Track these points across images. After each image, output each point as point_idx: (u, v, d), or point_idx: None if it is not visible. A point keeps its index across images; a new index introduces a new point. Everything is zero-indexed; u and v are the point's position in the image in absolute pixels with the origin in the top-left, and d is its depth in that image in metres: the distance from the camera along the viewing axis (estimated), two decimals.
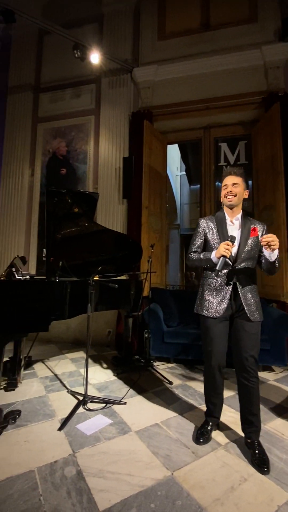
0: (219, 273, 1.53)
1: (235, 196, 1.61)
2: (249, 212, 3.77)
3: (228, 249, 1.47)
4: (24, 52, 4.88)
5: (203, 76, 4.08)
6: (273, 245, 1.43)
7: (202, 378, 2.26)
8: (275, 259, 1.53)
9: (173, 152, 8.23)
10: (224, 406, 1.88)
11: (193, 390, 2.41)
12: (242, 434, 1.63)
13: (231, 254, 1.54)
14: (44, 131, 4.66)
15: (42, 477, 1.34)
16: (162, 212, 4.12)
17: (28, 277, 2.64)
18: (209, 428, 1.72)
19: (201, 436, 1.68)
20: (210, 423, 1.74)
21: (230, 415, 1.95)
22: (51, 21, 4.00)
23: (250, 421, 1.57)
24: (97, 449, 1.57)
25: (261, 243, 1.48)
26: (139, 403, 2.13)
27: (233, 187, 1.61)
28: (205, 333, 1.68)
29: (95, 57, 3.90)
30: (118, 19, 4.44)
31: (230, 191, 1.61)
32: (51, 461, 1.46)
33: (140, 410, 2.02)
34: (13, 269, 2.43)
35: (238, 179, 1.62)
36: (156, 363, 3.06)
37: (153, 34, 4.37)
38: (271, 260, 1.54)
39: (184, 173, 9.39)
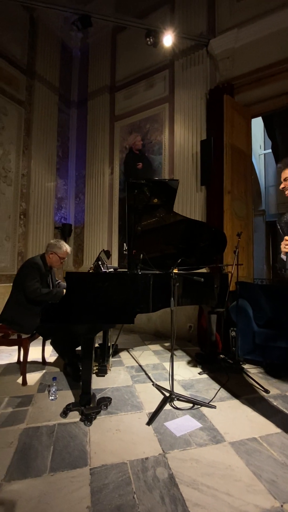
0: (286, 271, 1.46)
1: None
2: None
3: None
4: (99, 56, 5.12)
5: None
6: None
7: None
8: None
9: (255, 129, 7.27)
10: None
11: None
12: None
13: None
14: (120, 129, 4.80)
15: (134, 473, 1.32)
16: (247, 196, 3.65)
17: (112, 269, 2.74)
18: None
19: None
20: None
21: None
22: (123, 15, 4.02)
23: None
24: (188, 454, 1.46)
25: None
26: (231, 410, 1.92)
27: (285, 181, 1.60)
28: None
29: (168, 39, 3.71)
30: None
31: (283, 187, 1.61)
32: (142, 457, 1.43)
33: (233, 418, 1.80)
34: (99, 262, 2.56)
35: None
36: (246, 366, 2.74)
37: None
38: None
39: (270, 151, 8.22)
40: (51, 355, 3.04)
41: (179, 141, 4.05)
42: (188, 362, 2.89)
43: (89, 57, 5.31)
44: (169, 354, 3.12)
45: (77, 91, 5.48)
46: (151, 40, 3.76)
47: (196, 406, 1.94)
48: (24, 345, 2.28)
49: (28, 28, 4.65)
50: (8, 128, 4.27)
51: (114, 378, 2.44)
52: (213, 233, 2.65)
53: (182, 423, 1.73)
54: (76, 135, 5.42)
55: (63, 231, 5.07)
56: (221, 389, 2.23)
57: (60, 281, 2.79)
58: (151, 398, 2.07)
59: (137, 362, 2.88)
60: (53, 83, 4.97)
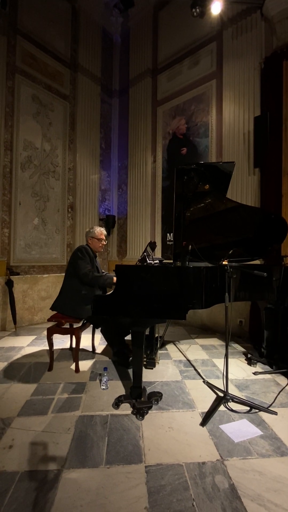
0: None
1: None
2: None
3: None
4: (141, 38, 4.92)
5: None
6: None
7: None
8: None
9: None
10: None
11: None
12: None
13: None
14: (163, 113, 4.60)
15: (191, 477, 1.25)
16: None
17: (157, 261, 2.66)
18: None
19: None
20: None
21: None
22: None
23: None
24: (249, 464, 1.34)
25: None
26: None
27: None
28: None
29: (216, 6, 3.36)
30: None
31: None
32: (198, 461, 1.35)
33: None
34: (145, 254, 2.50)
35: None
36: None
37: None
38: None
39: None
40: (100, 343, 3.14)
41: (228, 120, 3.71)
42: (241, 360, 2.70)
43: (130, 41, 5.15)
44: (218, 350, 2.98)
45: (119, 79, 5.39)
46: (197, 10, 3.44)
47: (254, 410, 1.78)
48: (76, 334, 2.35)
49: (70, 20, 4.65)
50: (55, 124, 4.40)
51: (163, 372, 2.40)
52: (272, 220, 2.37)
53: (239, 428, 1.60)
54: (118, 125, 5.38)
55: (107, 223, 5.15)
56: (281, 392, 2.02)
57: (106, 272, 2.82)
58: (203, 397, 1.97)
59: (185, 356, 2.80)
60: (95, 74, 4.96)
